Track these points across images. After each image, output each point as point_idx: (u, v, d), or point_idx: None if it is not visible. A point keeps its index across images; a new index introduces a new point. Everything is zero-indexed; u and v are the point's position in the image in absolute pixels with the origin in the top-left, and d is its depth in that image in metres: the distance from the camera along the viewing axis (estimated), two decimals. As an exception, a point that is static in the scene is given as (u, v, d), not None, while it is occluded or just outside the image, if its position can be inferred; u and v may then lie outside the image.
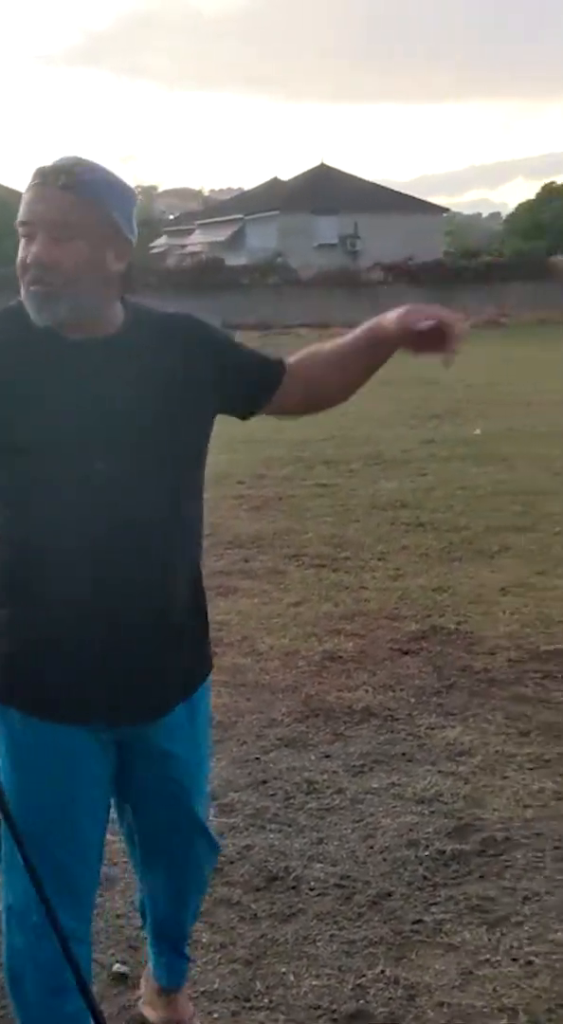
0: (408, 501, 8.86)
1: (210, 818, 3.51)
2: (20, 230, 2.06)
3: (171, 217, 70.37)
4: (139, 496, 2.10)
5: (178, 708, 2.26)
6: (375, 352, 2.31)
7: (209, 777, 2.53)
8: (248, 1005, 2.73)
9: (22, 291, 2.08)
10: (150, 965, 2.66)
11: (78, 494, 2.06)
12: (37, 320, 2.06)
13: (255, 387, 2.30)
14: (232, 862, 3.37)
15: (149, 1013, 2.66)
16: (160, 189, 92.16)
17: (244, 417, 2.35)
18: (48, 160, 2.08)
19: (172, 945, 2.60)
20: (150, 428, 2.11)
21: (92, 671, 2.13)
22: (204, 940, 2.98)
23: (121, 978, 2.83)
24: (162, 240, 60.16)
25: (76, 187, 2.03)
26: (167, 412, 2.12)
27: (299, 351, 2.38)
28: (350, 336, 2.31)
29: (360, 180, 56.88)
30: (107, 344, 2.11)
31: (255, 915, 3.12)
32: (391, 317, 2.22)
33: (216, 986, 2.81)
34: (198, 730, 2.35)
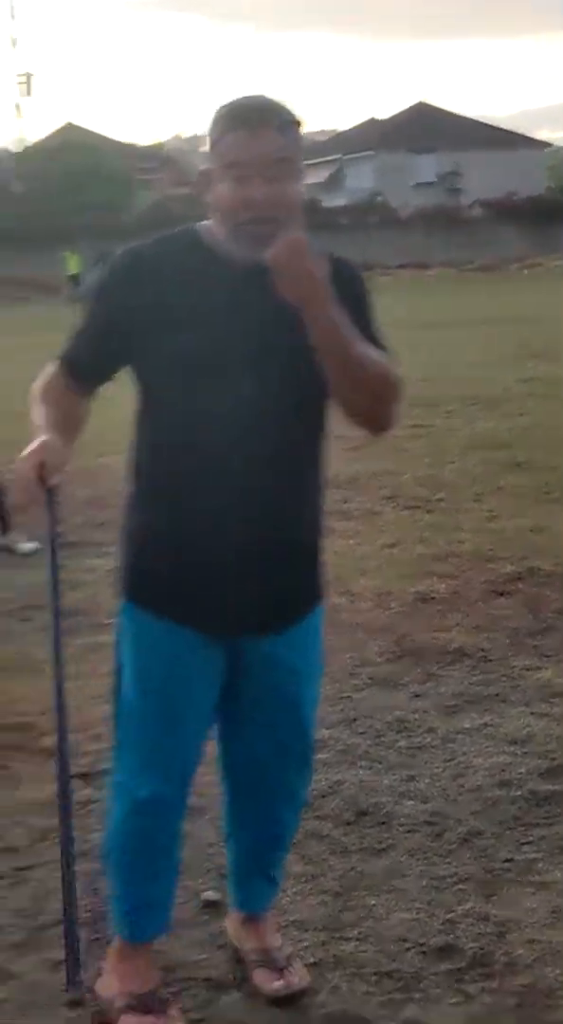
0: (505, 441, 8.74)
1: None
2: (230, 172, 2.13)
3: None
4: (288, 420, 2.23)
5: (298, 624, 2.39)
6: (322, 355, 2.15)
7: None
8: (337, 935, 2.75)
9: (231, 229, 2.16)
10: (235, 893, 2.70)
11: (222, 412, 2.19)
12: (246, 257, 2.13)
13: None
14: (323, 796, 3.39)
15: (238, 942, 2.69)
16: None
17: None
18: (238, 101, 2.17)
19: (260, 870, 2.63)
20: (295, 356, 2.16)
21: (223, 579, 2.28)
22: (295, 871, 3.00)
23: (211, 905, 2.87)
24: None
25: (283, 127, 2.13)
26: (311, 342, 2.14)
27: None
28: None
29: (460, 117, 55.85)
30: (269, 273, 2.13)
31: (345, 848, 3.13)
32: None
33: (306, 916, 2.84)
34: (313, 651, 2.47)
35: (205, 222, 2.27)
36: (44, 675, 4.28)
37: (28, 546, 6.24)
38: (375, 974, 2.60)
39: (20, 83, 48.52)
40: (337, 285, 2.14)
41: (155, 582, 2.33)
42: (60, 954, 2.68)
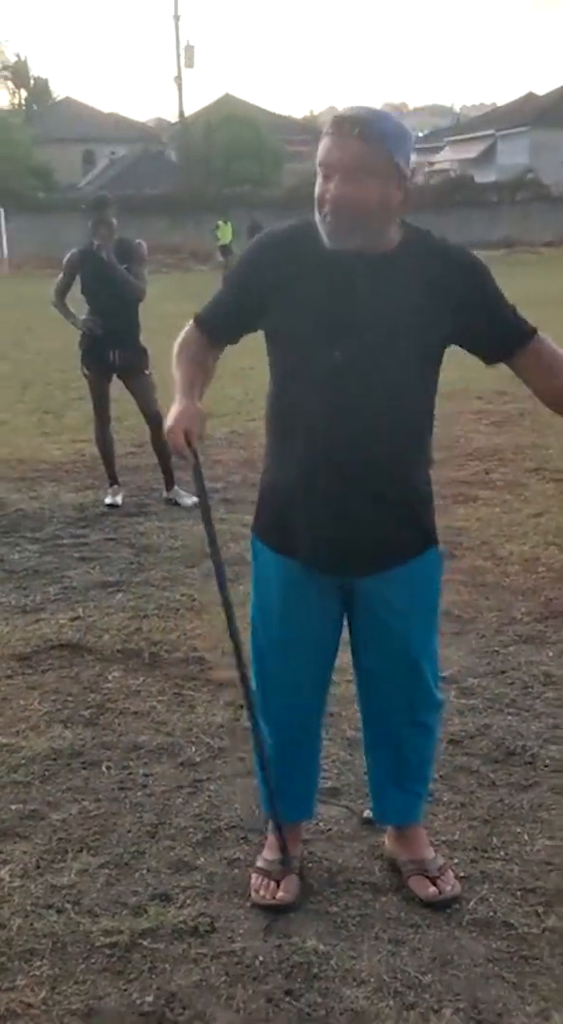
0: None
1: (450, 699, 3.81)
2: (320, 170, 2.47)
3: (420, 135, 69.27)
4: (374, 384, 2.53)
5: (397, 570, 2.68)
6: None
7: (437, 647, 2.86)
8: (485, 855, 3.02)
9: (318, 218, 2.51)
10: (374, 806, 3.02)
11: (321, 376, 2.54)
12: (329, 244, 2.50)
13: (495, 341, 2.66)
14: (472, 737, 3.65)
15: (394, 854, 2.99)
16: (410, 107, 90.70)
17: (486, 362, 2.74)
18: (344, 110, 2.49)
19: (396, 784, 2.92)
20: (390, 331, 2.52)
21: (322, 524, 2.61)
22: (445, 799, 3.28)
23: (369, 822, 3.16)
24: (411, 158, 59.35)
25: (367, 136, 2.42)
26: (408, 321, 2.53)
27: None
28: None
29: None
30: (376, 260, 2.52)
31: (493, 783, 3.39)
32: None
33: (456, 838, 3.11)
34: (423, 592, 2.76)
35: None
36: (211, 615, 4.68)
37: (191, 500, 6.62)
38: (520, 889, 2.86)
39: (181, 55, 49.09)
40: (450, 275, 2.54)
41: (271, 520, 2.72)
42: (235, 852, 3.05)
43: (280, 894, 2.82)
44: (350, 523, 2.60)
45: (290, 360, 2.60)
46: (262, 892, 2.84)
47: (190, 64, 48.50)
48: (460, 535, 5.85)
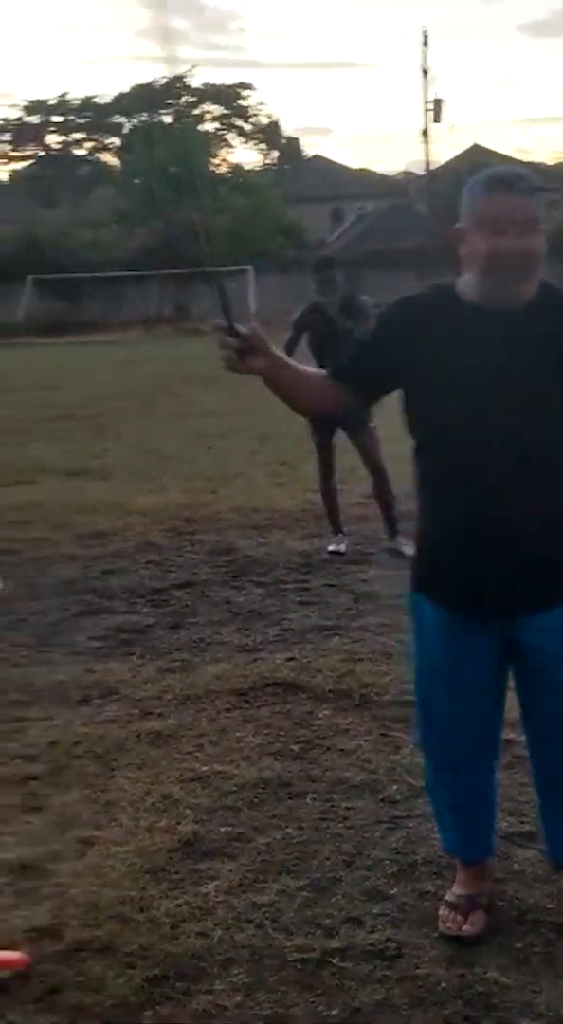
0: None
1: None
2: (490, 227, 2.58)
3: None
4: (525, 438, 2.63)
5: (553, 613, 2.73)
6: None
7: None
8: None
9: (474, 275, 2.65)
10: (548, 849, 3.09)
11: (476, 436, 2.63)
12: (491, 298, 2.63)
13: None
14: None
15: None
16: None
17: None
18: (496, 169, 2.69)
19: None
20: (534, 385, 2.63)
21: (482, 569, 2.71)
22: None
23: (561, 867, 3.21)
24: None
25: (531, 192, 2.62)
26: (547, 373, 2.64)
27: None
28: None
29: None
30: (517, 315, 2.65)
31: None
32: None
33: None
34: None
35: (461, 278, 2.73)
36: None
37: (412, 550, 6.74)
38: None
39: (429, 110, 49.83)
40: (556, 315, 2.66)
41: (430, 575, 2.83)
42: (428, 886, 3.18)
43: (465, 927, 2.93)
44: (509, 564, 2.68)
45: (442, 423, 2.69)
46: (449, 924, 2.96)
47: (437, 119, 49.09)
48: None
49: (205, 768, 3.97)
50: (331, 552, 6.99)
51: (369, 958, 2.86)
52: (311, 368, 2.98)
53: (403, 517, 7.00)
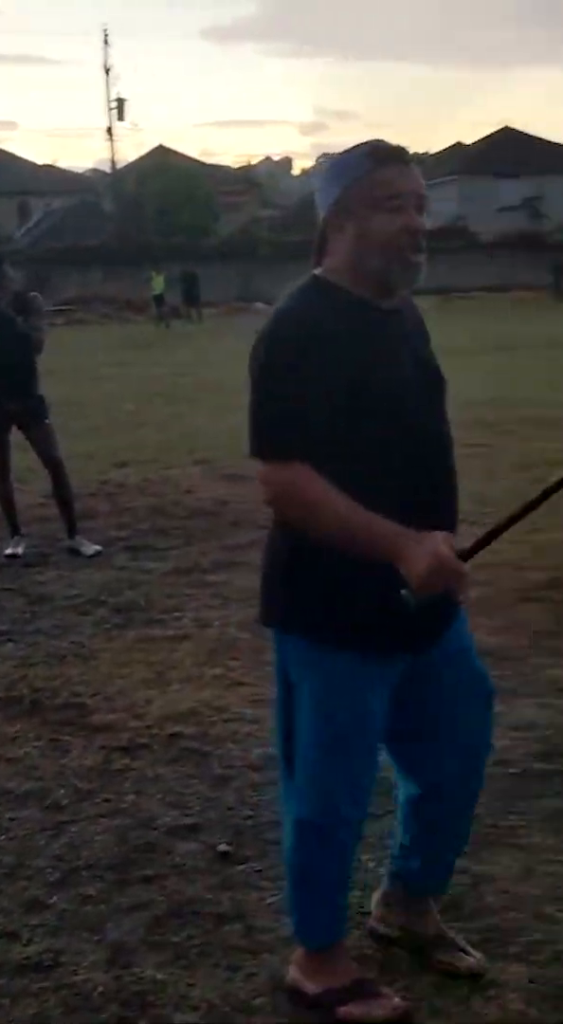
0: (557, 460, 8.97)
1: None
2: (388, 203, 2.25)
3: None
4: (448, 445, 2.42)
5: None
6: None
7: None
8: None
9: (394, 259, 2.27)
10: (420, 882, 2.78)
11: (413, 450, 2.32)
12: (401, 288, 2.34)
13: None
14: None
15: (411, 928, 2.78)
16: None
17: None
18: (377, 142, 2.31)
19: (454, 851, 2.78)
20: (442, 384, 2.45)
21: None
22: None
23: (225, 856, 3.24)
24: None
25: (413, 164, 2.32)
26: (437, 370, 2.45)
27: None
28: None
29: (546, 142, 55.70)
30: (401, 311, 2.40)
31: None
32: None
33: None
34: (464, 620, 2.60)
35: (322, 268, 2.36)
36: (98, 660, 4.78)
37: (93, 549, 6.73)
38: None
39: (113, 108, 49.75)
40: (422, 325, 2.48)
41: (356, 617, 2.34)
42: (89, 890, 3.12)
43: (396, 1000, 2.56)
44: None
45: (371, 435, 2.27)
46: (382, 1011, 2.52)
47: (121, 118, 49.14)
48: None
49: None
50: (8, 556, 6.80)
51: (24, 972, 2.77)
52: (350, 502, 2.26)
53: (81, 516, 6.94)
